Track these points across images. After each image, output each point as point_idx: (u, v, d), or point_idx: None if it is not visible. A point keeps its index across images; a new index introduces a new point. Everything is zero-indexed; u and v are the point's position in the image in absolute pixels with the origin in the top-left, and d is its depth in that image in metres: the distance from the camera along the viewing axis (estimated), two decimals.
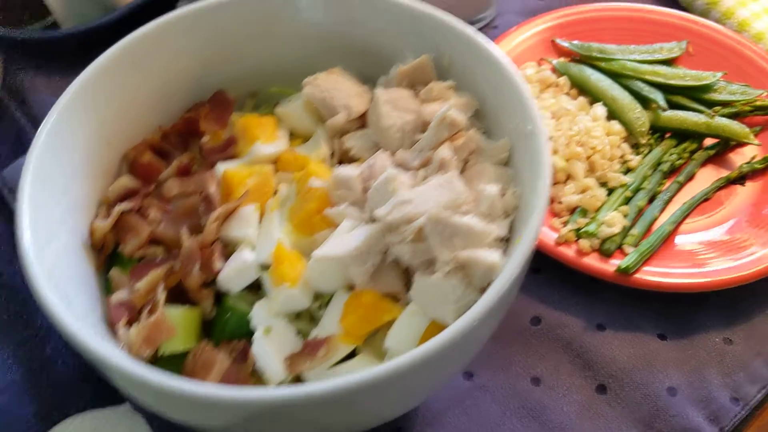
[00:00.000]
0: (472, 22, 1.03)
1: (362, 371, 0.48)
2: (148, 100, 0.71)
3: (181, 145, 0.72)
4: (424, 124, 0.67)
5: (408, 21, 0.70)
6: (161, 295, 0.60)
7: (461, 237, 0.56)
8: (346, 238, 0.59)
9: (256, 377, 0.60)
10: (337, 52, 0.74)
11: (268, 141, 0.69)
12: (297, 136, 0.73)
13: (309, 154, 0.69)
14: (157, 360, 0.60)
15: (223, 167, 0.68)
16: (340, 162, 0.70)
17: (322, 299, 0.62)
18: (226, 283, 0.62)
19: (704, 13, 1.04)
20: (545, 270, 0.81)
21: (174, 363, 0.60)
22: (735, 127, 0.88)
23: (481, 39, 0.66)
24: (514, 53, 0.96)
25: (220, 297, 0.63)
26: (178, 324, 0.60)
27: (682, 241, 0.82)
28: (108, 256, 0.66)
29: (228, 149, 0.70)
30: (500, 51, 0.65)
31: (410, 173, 0.64)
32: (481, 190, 0.60)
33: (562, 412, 0.73)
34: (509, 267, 0.53)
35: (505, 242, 0.60)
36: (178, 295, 0.63)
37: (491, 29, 1.04)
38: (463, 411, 0.73)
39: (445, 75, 0.71)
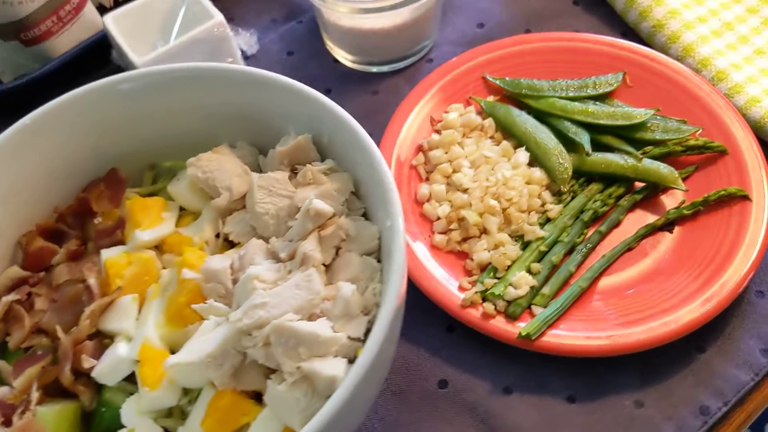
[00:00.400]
0: (410, 55, 1.01)
1: None
2: (39, 185, 0.72)
3: (77, 226, 0.74)
4: (298, 210, 0.66)
5: (288, 100, 0.69)
6: (35, 394, 0.62)
7: (306, 346, 0.56)
8: (203, 341, 0.60)
9: None
10: (230, 126, 0.74)
11: (151, 225, 0.70)
12: (189, 213, 0.73)
13: (194, 235, 0.70)
14: None
15: (106, 254, 0.68)
16: (228, 241, 0.70)
17: (191, 394, 0.63)
18: (102, 377, 0.64)
19: (650, 37, 0.99)
20: (458, 328, 0.80)
21: None
22: (663, 170, 0.84)
23: (354, 124, 0.65)
24: (446, 92, 0.93)
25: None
26: (49, 424, 0.61)
27: (598, 297, 0.80)
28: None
29: (115, 233, 0.71)
30: (369, 139, 0.64)
31: (277, 266, 0.64)
32: (339, 288, 0.60)
33: None
34: (349, 379, 0.53)
35: (362, 342, 0.60)
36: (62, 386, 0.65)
37: (426, 62, 1.02)
38: None
39: (325, 153, 0.70)
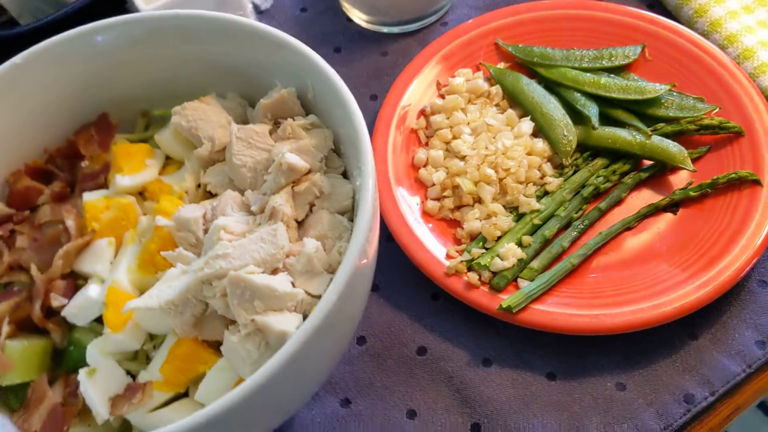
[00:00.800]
0: (425, 16, 0.98)
1: None
2: (29, 125, 0.72)
3: (66, 168, 0.74)
4: None
5: (274, 51, 0.68)
6: (5, 328, 0.63)
7: (262, 299, 0.56)
8: (165, 287, 0.59)
9: (87, 413, 0.62)
10: (220, 76, 0.73)
11: (133, 171, 0.70)
12: (176, 162, 0.73)
13: (175, 184, 0.70)
14: (2, 389, 0.63)
15: (86, 197, 0.69)
16: (210, 193, 0.70)
17: (157, 340, 0.63)
18: (72, 317, 0.64)
19: (677, 9, 0.94)
20: (443, 296, 0.79)
21: (18, 392, 0.63)
22: (672, 149, 0.81)
23: (336, 79, 0.63)
24: (456, 57, 0.91)
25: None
26: (16, 358, 0.63)
27: (590, 276, 0.77)
28: None
29: (99, 177, 0.71)
30: (349, 94, 0.62)
31: (248, 219, 0.63)
32: (303, 244, 0.59)
33: None
34: (298, 334, 0.52)
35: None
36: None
37: (440, 25, 0.99)
38: None
39: (310, 108, 0.69)
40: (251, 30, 0.67)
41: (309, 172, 0.65)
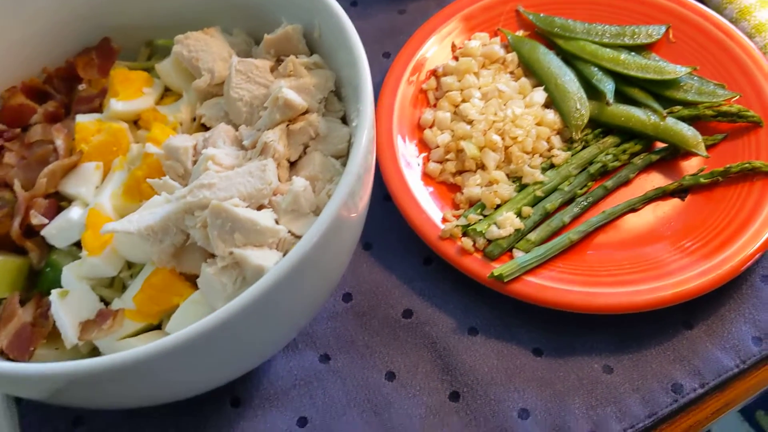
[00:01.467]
0: None
1: (97, 359, 0.48)
2: (30, 46, 0.71)
3: (64, 90, 0.73)
4: None
5: None
6: None
7: (242, 232, 0.54)
8: (147, 214, 0.58)
9: (56, 336, 0.60)
10: (226, 11, 0.71)
11: (128, 98, 0.68)
12: (175, 93, 0.71)
13: (170, 114, 0.68)
14: None
15: (79, 119, 0.67)
16: (205, 128, 0.68)
17: (135, 269, 0.61)
18: (51, 237, 0.63)
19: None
20: (435, 261, 0.77)
21: None
22: (686, 133, 0.78)
23: (344, 18, 0.61)
24: (475, 20, 0.88)
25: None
26: None
27: (588, 253, 0.74)
28: None
29: (95, 101, 0.69)
30: (355, 34, 0.60)
31: (239, 153, 0.61)
32: (292, 183, 0.57)
33: (407, 414, 0.70)
34: (273, 271, 0.50)
35: None
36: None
37: None
38: (308, 392, 0.71)
39: (315, 48, 0.66)
40: None
41: (307, 112, 0.62)
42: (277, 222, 0.56)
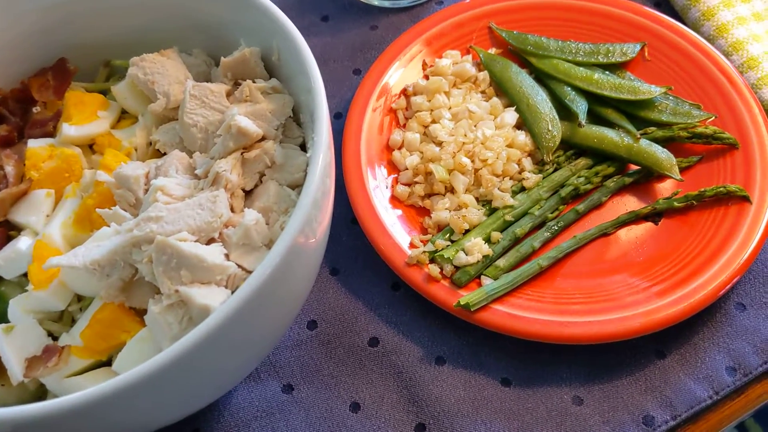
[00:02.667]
0: None
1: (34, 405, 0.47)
2: None
3: (18, 113, 0.70)
4: None
5: (242, 7, 0.64)
6: None
7: (189, 269, 0.52)
8: (93, 247, 0.55)
9: (2, 373, 0.58)
10: (185, 30, 0.69)
11: (82, 121, 0.66)
12: (131, 117, 0.69)
13: (125, 139, 0.65)
14: None
15: (31, 144, 0.65)
16: (160, 153, 0.65)
17: (84, 302, 0.59)
18: None
19: (684, 10, 0.89)
20: (403, 287, 0.75)
21: None
22: (660, 155, 0.76)
23: (300, 41, 0.59)
24: (447, 37, 0.86)
25: None
26: None
27: (558, 280, 0.73)
28: None
29: (48, 124, 0.67)
30: (313, 60, 0.58)
31: (192, 182, 0.59)
32: (243, 215, 0.55)
33: None
34: (219, 311, 0.48)
35: None
36: None
37: (436, 4, 0.94)
38: (270, 423, 0.69)
39: (274, 72, 0.64)
40: None
41: (263, 138, 0.60)
42: (227, 256, 0.54)
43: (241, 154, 0.59)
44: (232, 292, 0.52)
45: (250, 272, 0.54)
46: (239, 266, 0.54)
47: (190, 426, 0.68)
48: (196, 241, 0.54)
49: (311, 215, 0.53)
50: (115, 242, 0.55)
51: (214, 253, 0.53)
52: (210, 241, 0.55)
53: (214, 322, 0.47)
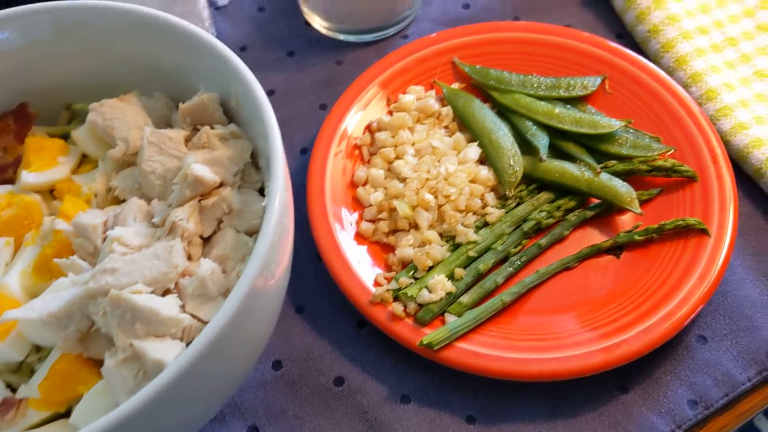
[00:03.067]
0: (385, 27, 0.94)
1: None
2: None
3: None
4: None
5: (197, 51, 0.64)
6: None
7: (144, 322, 0.52)
8: (51, 298, 0.55)
9: None
10: (144, 74, 0.69)
11: (42, 168, 0.65)
12: (92, 161, 0.69)
13: (84, 185, 0.65)
14: None
15: None
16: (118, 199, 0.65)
17: (43, 352, 0.59)
18: None
19: (644, 42, 0.91)
20: (369, 325, 0.75)
21: None
22: (620, 189, 0.77)
23: (256, 86, 0.59)
24: (411, 72, 0.87)
25: None
26: None
27: (522, 316, 0.73)
28: None
29: (8, 170, 0.67)
30: (268, 104, 0.58)
31: (149, 231, 0.59)
32: (198, 265, 0.55)
33: None
34: (172, 367, 0.48)
35: None
36: None
37: (401, 38, 0.95)
38: None
39: (233, 118, 0.65)
40: (167, 26, 0.63)
41: (221, 185, 0.60)
42: (183, 308, 0.54)
43: (199, 201, 0.59)
44: (187, 345, 0.52)
45: (204, 322, 0.54)
46: (195, 317, 0.54)
47: None
48: (151, 292, 0.54)
49: (269, 259, 0.53)
50: (71, 294, 0.55)
51: (168, 306, 0.53)
52: (166, 292, 0.55)
53: (167, 377, 0.47)
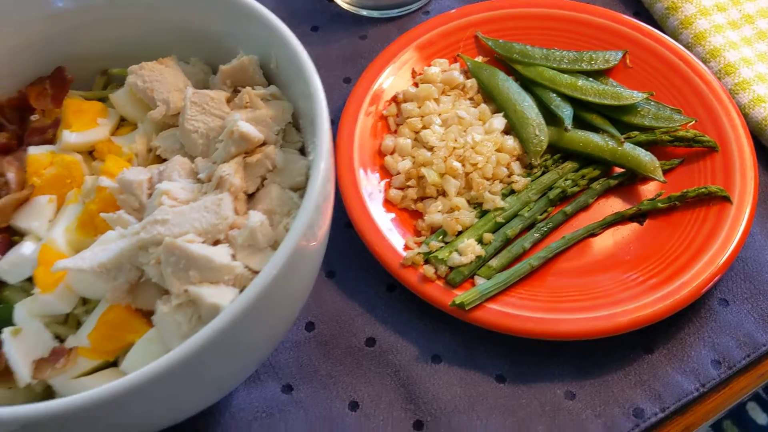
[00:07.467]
0: (409, 2, 0.96)
1: (66, 399, 0.48)
2: None
3: (16, 121, 0.71)
4: None
5: (240, 17, 0.65)
6: None
7: (198, 269, 0.53)
8: (100, 250, 0.57)
9: (9, 375, 0.59)
10: (183, 39, 0.70)
11: (82, 129, 0.67)
12: (130, 124, 0.70)
13: (125, 145, 0.67)
14: None
15: (31, 151, 0.66)
16: (160, 159, 0.67)
17: (89, 305, 0.60)
18: (2, 274, 0.61)
19: (663, 19, 0.93)
20: (398, 288, 0.77)
21: None
22: (643, 158, 0.79)
23: (299, 49, 0.61)
24: (435, 46, 0.89)
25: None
26: None
27: (549, 279, 0.75)
28: None
29: (48, 132, 0.68)
30: (311, 65, 0.60)
31: (195, 186, 0.60)
32: (248, 217, 0.56)
33: None
34: (229, 309, 0.50)
35: None
36: None
37: (422, 14, 0.97)
38: (270, 424, 0.70)
39: (272, 80, 0.66)
40: None
41: (263, 144, 0.62)
42: (233, 257, 0.55)
43: (243, 158, 0.61)
44: (240, 291, 0.54)
45: (255, 272, 0.56)
46: (245, 266, 0.55)
47: (192, 428, 0.69)
48: (203, 242, 0.55)
49: (313, 219, 0.54)
50: (121, 245, 0.56)
51: (221, 254, 0.54)
52: (216, 243, 0.56)
53: (224, 319, 0.49)
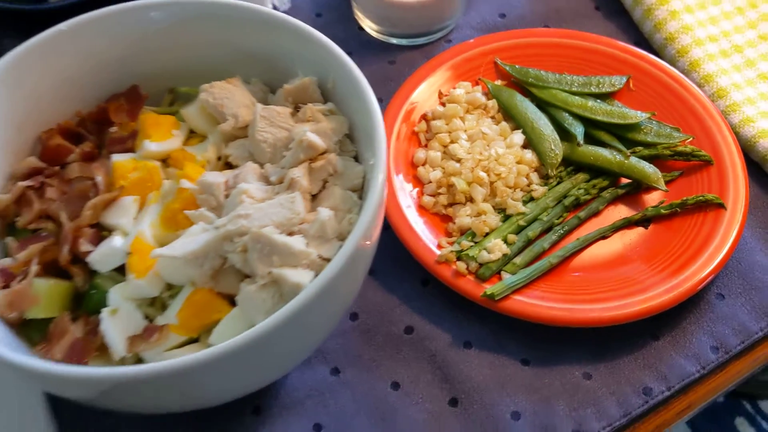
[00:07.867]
0: (431, 32, 1.06)
1: (163, 362, 0.56)
2: (64, 89, 0.78)
3: (95, 132, 0.80)
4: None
5: (300, 43, 0.75)
6: (34, 267, 0.69)
7: (279, 255, 0.62)
8: (189, 241, 0.66)
9: (104, 350, 0.67)
10: (245, 62, 0.80)
11: (160, 139, 0.76)
12: (198, 135, 0.80)
13: (198, 154, 0.76)
14: (25, 323, 0.68)
15: (115, 158, 0.75)
16: (228, 166, 0.76)
17: (174, 290, 0.69)
18: (95, 263, 0.70)
19: (661, 48, 1.04)
20: (432, 283, 0.86)
21: (39, 327, 0.68)
22: (647, 170, 0.89)
23: (357, 72, 0.71)
24: (458, 70, 0.99)
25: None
26: (42, 294, 0.68)
27: (566, 275, 0.84)
28: (8, 224, 0.74)
29: (127, 142, 0.77)
30: (368, 86, 0.70)
31: (267, 188, 0.69)
32: (318, 212, 0.66)
33: (411, 419, 0.78)
34: (311, 286, 0.58)
35: None
36: (60, 268, 0.71)
37: (444, 42, 1.07)
38: (321, 401, 0.79)
39: (329, 96, 0.76)
40: (283, 22, 0.74)
41: (326, 152, 0.71)
42: (307, 245, 0.64)
43: (309, 164, 0.70)
44: (316, 275, 0.63)
45: (325, 259, 0.65)
46: (317, 254, 0.64)
47: (252, 404, 0.78)
48: (280, 233, 0.64)
49: (373, 216, 0.63)
50: (206, 237, 0.65)
51: (298, 242, 0.63)
52: (291, 234, 0.65)
53: (307, 295, 0.58)
